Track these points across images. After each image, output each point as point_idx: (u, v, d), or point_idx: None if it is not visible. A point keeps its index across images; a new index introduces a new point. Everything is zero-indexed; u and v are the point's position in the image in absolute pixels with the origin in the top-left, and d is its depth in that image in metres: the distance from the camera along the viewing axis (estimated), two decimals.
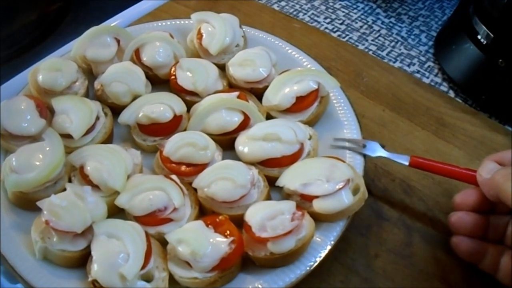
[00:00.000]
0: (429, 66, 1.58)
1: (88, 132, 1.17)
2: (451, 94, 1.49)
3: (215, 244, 0.96)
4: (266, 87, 1.27)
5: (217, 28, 1.36)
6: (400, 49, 1.63)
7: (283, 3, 1.76)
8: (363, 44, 1.64)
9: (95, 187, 1.07)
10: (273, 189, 1.12)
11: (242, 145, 1.15)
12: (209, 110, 1.19)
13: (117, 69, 1.27)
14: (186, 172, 1.12)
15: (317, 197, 1.03)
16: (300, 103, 1.23)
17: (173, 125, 1.21)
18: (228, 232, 0.99)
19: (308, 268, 1.00)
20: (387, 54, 1.61)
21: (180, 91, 1.28)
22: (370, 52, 1.61)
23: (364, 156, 1.17)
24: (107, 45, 1.32)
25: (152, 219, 1.04)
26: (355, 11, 1.76)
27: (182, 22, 1.49)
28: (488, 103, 1.45)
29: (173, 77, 1.29)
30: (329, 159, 1.10)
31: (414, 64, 1.58)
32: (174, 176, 1.09)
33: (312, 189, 1.04)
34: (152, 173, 1.17)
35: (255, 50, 1.33)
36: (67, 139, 1.15)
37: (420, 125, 1.36)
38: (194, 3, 1.67)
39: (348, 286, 1.06)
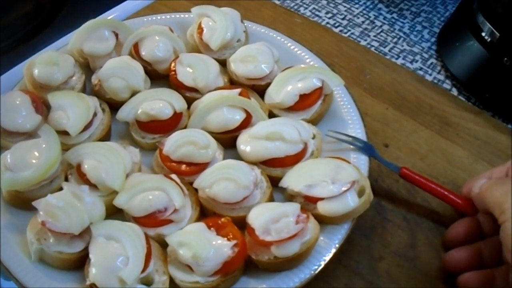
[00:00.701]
0: (431, 63, 1.56)
1: (85, 128, 1.15)
2: (454, 92, 1.47)
3: (217, 247, 0.94)
4: (268, 84, 1.25)
5: (218, 22, 1.33)
6: (402, 45, 1.61)
7: None
8: (365, 40, 1.62)
9: (93, 186, 1.05)
10: (276, 190, 1.10)
11: (244, 144, 1.13)
12: (210, 108, 1.16)
13: (115, 63, 1.24)
14: (186, 171, 1.10)
15: (322, 199, 1.02)
16: (303, 101, 1.21)
17: (173, 123, 1.19)
18: (230, 235, 0.97)
19: (312, 272, 0.98)
20: (389, 51, 1.59)
21: (180, 87, 1.25)
22: (372, 48, 1.58)
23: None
24: (105, 39, 1.29)
25: (151, 220, 1.01)
26: (356, 6, 1.74)
27: (182, 16, 1.46)
28: (491, 102, 1.43)
29: (172, 72, 1.27)
30: (334, 159, 1.07)
31: (416, 61, 1.56)
32: (174, 176, 1.07)
33: (316, 191, 1.02)
34: (151, 171, 1.15)
35: (257, 46, 1.30)
36: (64, 136, 1.13)
37: (423, 124, 1.34)
38: None
39: None
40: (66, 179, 1.09)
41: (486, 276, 0.99)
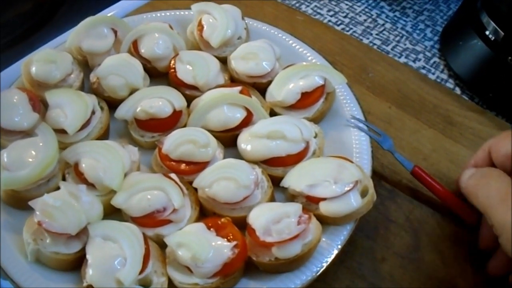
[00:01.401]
0: (434, 62, 1.54)
1: (83, 127, 1.14)
2: (457, 91, 1.46)
3: (217, 248, 0.93)
4: (269, 82, 1.24)
5: (218, 19, 1.32)
6: (405, 44, 1.60)
7: None
8: (368, 38, 1.60)
9: (91, 185, 1.04)
10: (277, 190, 1.08)
11: (245, 142, 1.11)
12: (210, 106, 1.15)
13: (114, 61, 1.23)
14: (186, 170, 1.08)
15: (324, 199, 1.00)
16: (305, 99, 1.20)
17: (173, 121, 1.17)
18: (231, 235, 0.95)
19: (314, 274, 0.97)
20: (392, 49, 1.57)
21: (179, 85, 1.24)
22: (375, 47, 1.57)
23: (372, 152, 1.15)
24: (103, 36, 1.28)
25: (150, 220, 1.00)
26: (358, 4, 1.72)
27: (182, 13, 1.45)
28: (495, 101, 1.41)
29: (172, 70, 1.25)
30: (336, 159, 1.06)
31: (419, 60, 1.55)
32: (173, 175, 1.05)
33: (319, 191, 1.01)
34: (149, 171, 1.13)
35: (258, 43, 1.29)
36: (61, 135, 1.11)
37: (427, 123, 1.33)
38: None
39: None
40: (64, 179, 1.07)
41: None
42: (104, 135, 1.17)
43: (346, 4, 1.71)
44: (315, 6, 1.69)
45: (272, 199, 1.06)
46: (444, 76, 1.50)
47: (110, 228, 0.96)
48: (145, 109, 1.14)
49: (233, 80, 1.28)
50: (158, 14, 1.44)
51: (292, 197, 1.06)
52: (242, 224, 0.99)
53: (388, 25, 1.65)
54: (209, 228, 0.97)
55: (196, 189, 1.06)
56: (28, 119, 1.11)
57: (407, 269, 1.06)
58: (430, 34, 1.64)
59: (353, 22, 1.65)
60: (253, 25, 1.42)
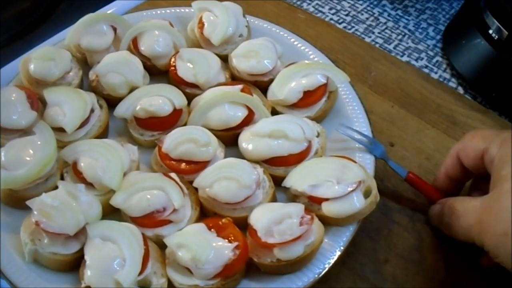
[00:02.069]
0: (437, 61, 1.53)
1: (82, 125, 1.13)
2: (460, 90, 1.45)
3: (218, 249, 0.91)
4: (271, 80, 1.23)
5: (219, 17, 1.30)
6: (407, 43, 1.58)
7: None
8: (370, 37, 1.59)
9: (89, 185, 1.03)
10: (278, 190, 1.07)
11: (246, 141, 1.10)
12: (211, 104, 1.14)
13: (114, 59, 1.22)
14: (186, 170, 1.07)
15: (326, 199, 0.99)
16: (307, 98, 1.18)
17: (173, 119, 1.16)
18: (232, 236, 0.94)
19: (316, 276, 0.96)
20: (394, 48, 1.56)
21: (180, 83, 1.23)
22: (377, 45, 1.56)
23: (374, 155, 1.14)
24: (103, 34, 1.27)
25: (150, 220, 0.99)
26: (360, 2, 1.71)
27: (182, 10, 1.43)
28: (498, 101, 1.40)
29: (172, 68, 1.24)
30: (339, 159, 1.05)
31: (422, 59, 1.53)
32: (173, 174, 1.04)
33: (321, 191, 1.00)
34: (149, 170, 1.12)
35: (260, 41, 1.28)
36: (60, 133, 1.10)
37: (430, 122, 1.31)
38: None
39: None
40: (62, 178, 1.06)
41: None
42: (103, 134, 1.16)
43: (348, 3, 1.70)
44: (317, 4, 1.68)
45: (273, 199, 1.05)
46: (447, 75, 1.49)
47: (109, 228, 0.94)
48: (145, 108, 1.13)
49: (234, 78, 1.27)
50: (158, 11, 1.43)
51: (294, 197, 1.05)
52: (243, 225, 0.98)
53: (390, 24, 1.64)
54: (210, 228, 0.96)
55: (196, 189, 1.05)
56: (26, 117, 1.10)
57: (410, 271, 1.05)
58: (433, 33, 1.63)
59: (355, 20, 1.64)
60: (255, 22, 1.40)
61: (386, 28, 1.63)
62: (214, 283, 0.91)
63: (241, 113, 1.13)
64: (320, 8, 1.67)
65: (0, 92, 1.12)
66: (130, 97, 1.17)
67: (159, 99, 1.15)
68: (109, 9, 1.50)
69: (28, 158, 1.01)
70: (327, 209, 0.99)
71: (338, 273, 1.03)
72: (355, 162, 1.05)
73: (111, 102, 1.19)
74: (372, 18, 1.66)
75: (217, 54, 1.28)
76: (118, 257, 0.90)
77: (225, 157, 1.10)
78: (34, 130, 1.06)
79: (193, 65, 1.23)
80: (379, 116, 1.30)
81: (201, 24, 1.31)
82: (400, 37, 1.60)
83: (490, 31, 1.38)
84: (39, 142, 1.04)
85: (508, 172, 0.86)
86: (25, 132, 1.09)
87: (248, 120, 1.14)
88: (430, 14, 1.70)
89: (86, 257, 0.91)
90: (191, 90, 1.22)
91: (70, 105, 1.12)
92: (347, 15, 1.66)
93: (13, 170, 1.00)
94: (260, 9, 1.56)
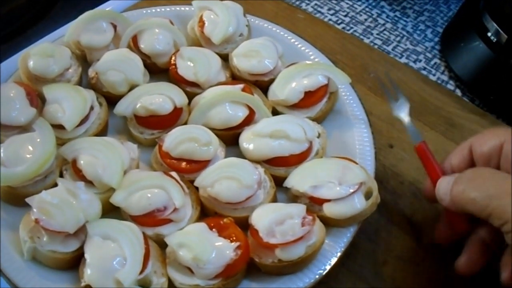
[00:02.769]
0: (435, 63, 1.54)
1: (81, 123, 1.12)
2: (458, 93, 1.45)
3: (219, 249, 0.91)
4: (271, 80, 1.22)
5: (220, 16, 1.30)
6: (406, 44, 1.59)
7: None
8: (368, 38, 1.59)
9: (89, 183, 1.02)
10: (278, 190, 1.07)
11: (247, 141, 1.10)
12: (212, 103, 1.13)
13: (113, 56, 1.21)
14: (187, 169, 1.07)
15: (328, 200, 0.99)
16: (308, 99, 1.18)
17: (173, 118, 1.16)
18: (233, 236, 0.94)
19: (317, 276, 0.96)
20: (392, 49, 1.56)
21: (180, 82, 1.22)
22: (376, 47, 1.56)
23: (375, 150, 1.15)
24: (103, 31, 1.26)
25: (150, 219, 0.98)
26: (359, 3, 1.71)
27: (182, 8, 1.43)
28: (496, 104, 1.41)
29: (173, 66, 1.24)
30: (340, 160, 1.05)
31: (420, 61, 1.54)
32: (174, 173, 1.04)
33: (323, 192, 0.99)
34: (149, 168, 1.12)
35: (261, 41, 1.27)
36: (59, 130, 1.10)
37: (428, 124, 1.32)
38: None
39: None
40: (61, 175, 1.06)
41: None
42: (102, 132, 1.16)
43: (347, 3, 1.70)
44: (316, 4, 1.68)
45: (274, 200, 1.05)
46: (445, 78, 1.49)
47: (109, 226, 0.94)
48: (145, 106, 1.13)
49: (235, 78, 1.27)
50: (158, 9, 1.42)
51: (294, 197, 1.05)
52: (243, 224, 0.98)
53: (388, 25, 1.64)
54: (211, 228, 0.95)
55: (197, 188, 1.04)
56: (26, 114, 1.09)
57: (409, 272, 1.05)
58: (431, 35, 1.63)
59: (353, 21, 1.64)
60: (255, 22, 1.40)
61: (384, 30, 1.63)
62: (215, 283, 0.91)
63: (242, 113, 1.13)
64: (319, 9, 1.67)
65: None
66: (131, 95, 1.16)
67: (160, 97, 1.14)
68: (108, 6, 1.49)
69: (27, 155, 1.01)
70: (329, 210, 0.98)
71: (337, 275, 1.03)
72: (356, 163, 1.05)
73: (111, 99, 1.19)
74: (370, 19, 1.66)
75: (217, 53, 1.28)
76: (118, 256, 0.90)
77: (226, 156, 1.09)
78: (33, 127, 1.05)
79: (194, 63, 1.23)
80: (378, 118, 1.30)
81: (201, 23, 1.31)
82: (398, 38, 1.60)
83: (489, 34, 1.38)
84: (38, 139, 1.03)
85: None
86: (24, 129, 1.09)
87: (249, 119, 1.14)
88: (428, 16, 1.70)
89: (86, 256, 0.90)
90: (191, 88, 1.22)
91: (69, 102, 1.11)
92: (345, 15, 1.66)
93: (12, 167, 0.99)
94: (260, 8, 1.56)
